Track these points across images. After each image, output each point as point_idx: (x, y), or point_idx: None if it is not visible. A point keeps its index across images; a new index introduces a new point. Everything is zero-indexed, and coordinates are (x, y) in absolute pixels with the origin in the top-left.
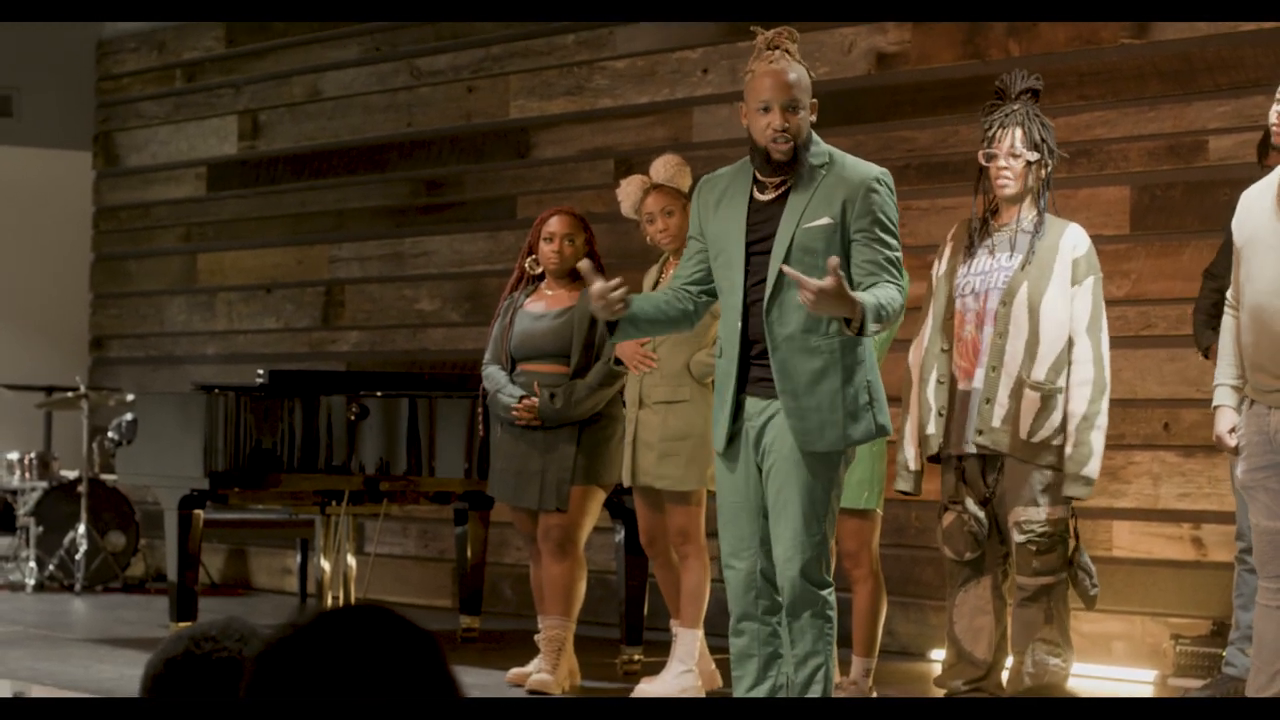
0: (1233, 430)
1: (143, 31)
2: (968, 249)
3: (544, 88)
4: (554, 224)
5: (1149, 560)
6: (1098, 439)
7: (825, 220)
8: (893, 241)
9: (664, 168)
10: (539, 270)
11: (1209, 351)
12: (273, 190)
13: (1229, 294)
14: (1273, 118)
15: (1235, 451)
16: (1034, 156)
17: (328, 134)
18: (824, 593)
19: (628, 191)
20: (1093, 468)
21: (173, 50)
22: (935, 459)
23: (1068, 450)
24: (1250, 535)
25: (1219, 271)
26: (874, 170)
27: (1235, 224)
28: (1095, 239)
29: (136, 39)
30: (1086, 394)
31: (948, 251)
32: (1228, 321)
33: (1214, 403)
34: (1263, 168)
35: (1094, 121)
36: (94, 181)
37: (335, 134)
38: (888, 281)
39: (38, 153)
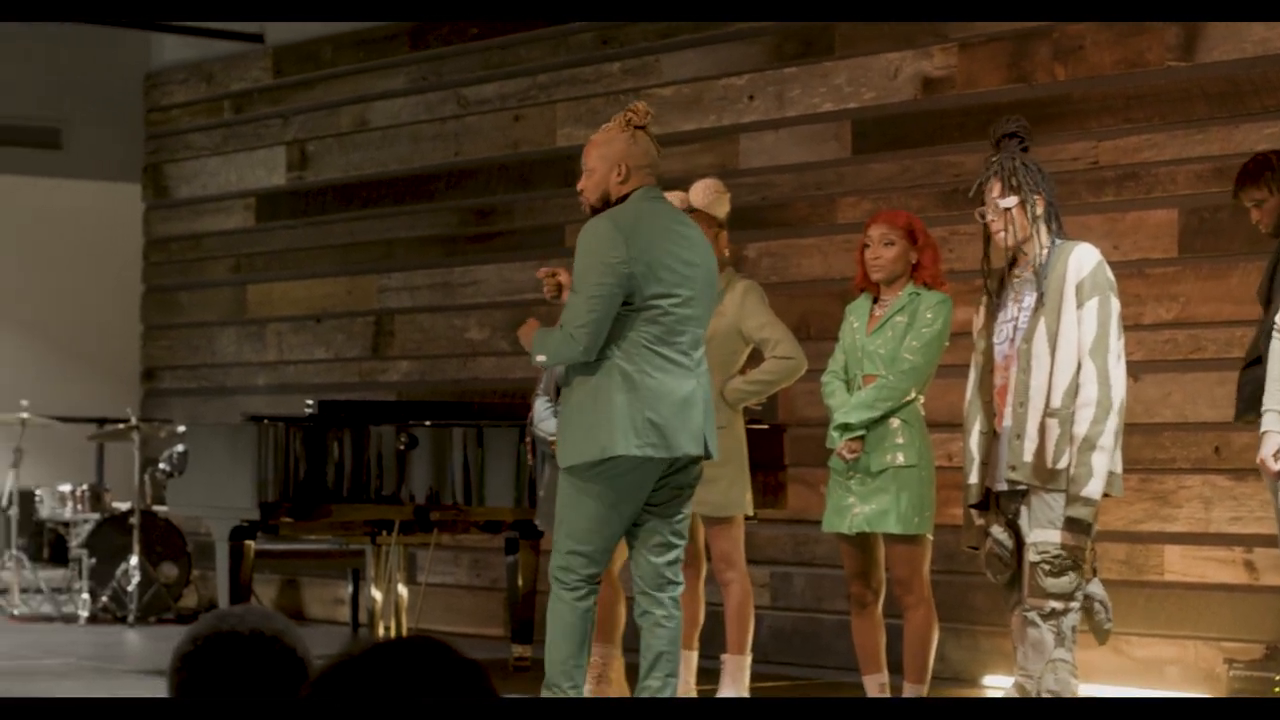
0: (1278, 454)
1: (190, 62)
2: (996, 302)
3: (590, 115)
4: None
5: (1201, 584)
6: (1099, 460)
7: None
8: (579, 286)
9: (703, 193)
10: None
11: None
12: (321, 220)
13: (1279, 318)
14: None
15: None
16: (1012, 202)
17: (375, 164)
18: (560, 589)
19: None
20: (1092, 489)
21: (220, 81)
22: (978, 506)
23: (1070, 472)
24: None
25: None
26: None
27: None
28: (1143, 262)
29: (184, 70)
30: (1089, 415)
31: (982, 307)
32: (1277, 346)
33: (1263, 427)
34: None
35: (1141, 145)
36: (144, 213)
37: (383, 164)
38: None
39: (87, 185)
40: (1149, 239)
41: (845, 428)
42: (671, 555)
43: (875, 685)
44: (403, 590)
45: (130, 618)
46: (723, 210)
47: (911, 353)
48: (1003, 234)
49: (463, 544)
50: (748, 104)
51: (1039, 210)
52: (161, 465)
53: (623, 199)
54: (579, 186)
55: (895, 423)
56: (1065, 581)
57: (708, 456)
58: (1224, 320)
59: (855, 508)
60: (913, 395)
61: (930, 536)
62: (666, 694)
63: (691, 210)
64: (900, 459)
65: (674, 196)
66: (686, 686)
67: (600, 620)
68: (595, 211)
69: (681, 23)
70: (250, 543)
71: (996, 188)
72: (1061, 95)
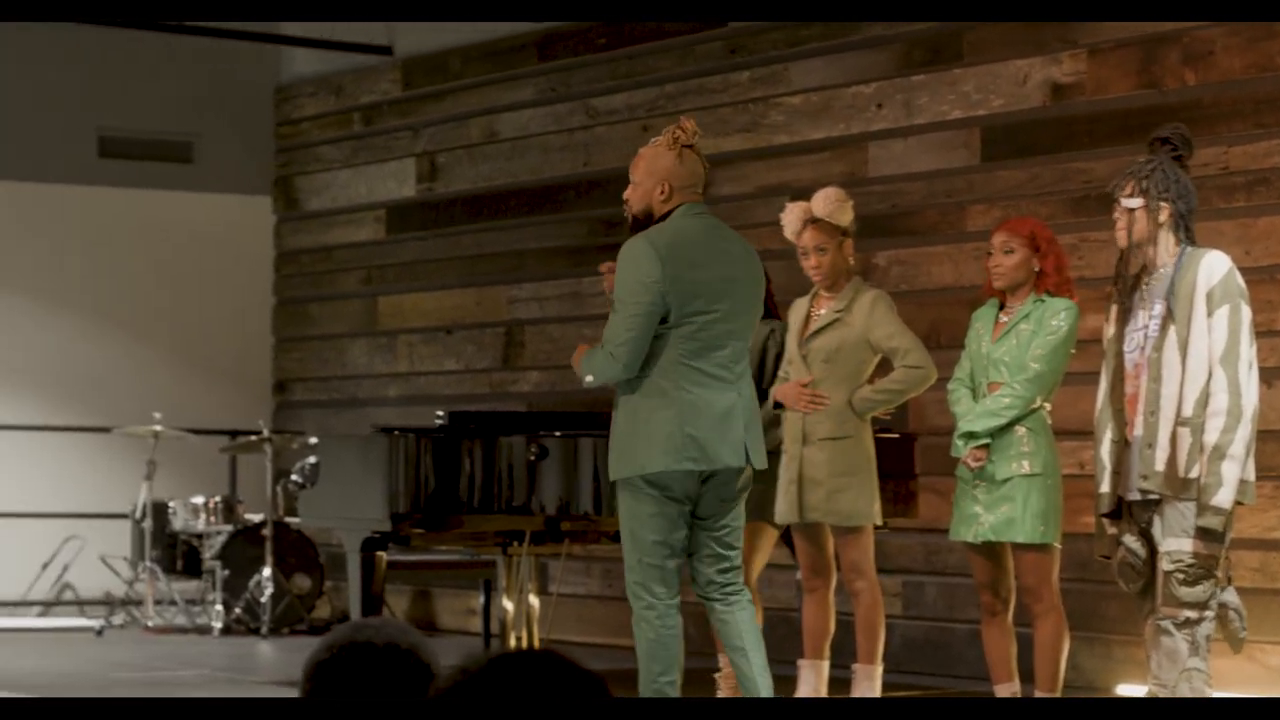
0: None
1: (320, 75)
2: (1126, 309)
3: (719, 125)
4: None
5: None
6: (1230, 469)
7: None
8: (618, 305)
9: (824, 202)
10: None
11: None
12: (451, 232)
13: None
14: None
15: None
16: (1135, 203)
17: (505, 175)
18: (640, 608)
19: (790, 217)
20: (1223, 498)
21: (350, 94)
22: (1110, 515)
23: (1201, 481)
24: None
25: None
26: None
27: None
28: (1275, 268)
29: (314, 83)
30: (1220, 424)
31: (1113, 315)
32: None
33: None
34: None
35: (1272, 149)
36: (274, 226)
37: (512, 175)
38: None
39: (218, 198)
40: None
41: (970, 436)
42: (723, 565)
43: (1006, 694)
44: (534, 601)
45: (263, 629)
46: (845, 218)
47: (1037, 360)
48: (1121, 235)
49: (594, 554)
50: (876, 112)
51: (1162, 217)
52: (293, 477)
53: (665, 215)
54: (624, 196)
55: (1021, 430)
56: (1199, 590)
57: (752, 466)
58: None
59: (981, 517)
60: (1039, 403)
61: (1058, 545)
62: (762, 682)
63: (814, 220)
64: (1026, 467)
65: (798, 206)
66: (817, 695)
67: None
68: (637, 223)
69: (809, 31)
70: (382, 554)
71: (1128, 187)
72: (1191, 100)
